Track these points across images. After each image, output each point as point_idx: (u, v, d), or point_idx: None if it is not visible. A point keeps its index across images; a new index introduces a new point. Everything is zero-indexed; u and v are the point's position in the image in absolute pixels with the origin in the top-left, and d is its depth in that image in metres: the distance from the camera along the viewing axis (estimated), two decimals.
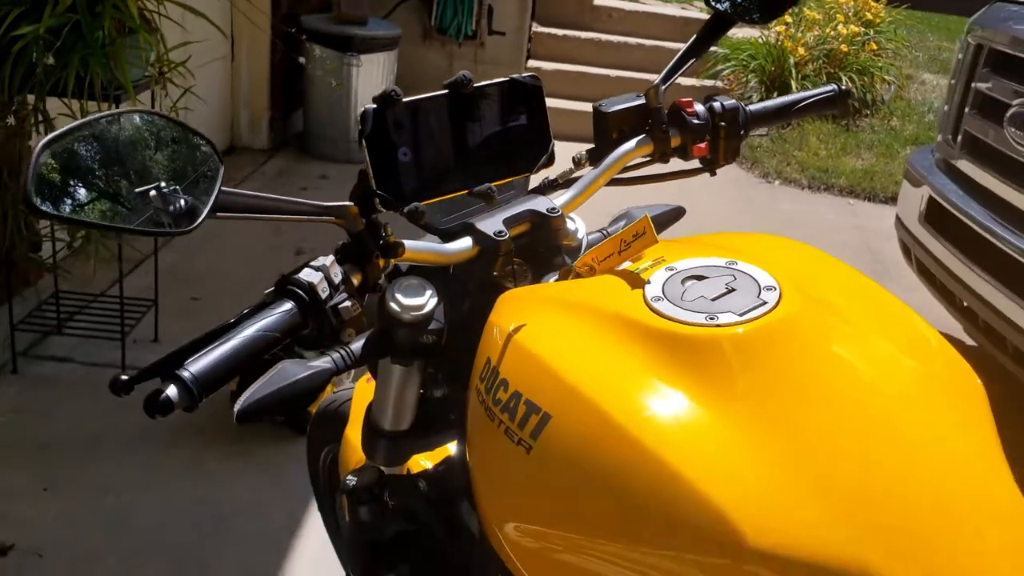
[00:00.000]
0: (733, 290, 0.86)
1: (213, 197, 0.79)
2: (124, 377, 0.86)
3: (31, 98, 2.58)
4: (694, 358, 0.80)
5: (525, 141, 1.02)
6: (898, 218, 3.60)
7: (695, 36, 1.23)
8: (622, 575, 0.77)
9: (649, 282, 0.88)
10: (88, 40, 2.41)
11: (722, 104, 1.18)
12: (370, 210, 0.94)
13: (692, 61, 1.21)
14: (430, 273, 1.07)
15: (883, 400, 0.79)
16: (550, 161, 1.00)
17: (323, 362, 1.05)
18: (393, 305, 1.02)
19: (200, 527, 2.33)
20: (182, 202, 0.81)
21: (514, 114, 1.00)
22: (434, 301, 1.03)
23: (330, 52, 5.22)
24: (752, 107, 1.22)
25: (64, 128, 0.73)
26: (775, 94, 6.46)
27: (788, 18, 7.00)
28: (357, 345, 1.06)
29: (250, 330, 0.83)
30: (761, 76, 6.65)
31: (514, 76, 1.00)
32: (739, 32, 7.36)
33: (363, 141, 0.91)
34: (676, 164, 1.21)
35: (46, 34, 2.39)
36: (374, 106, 0.91)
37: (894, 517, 0.73)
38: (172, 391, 0.78)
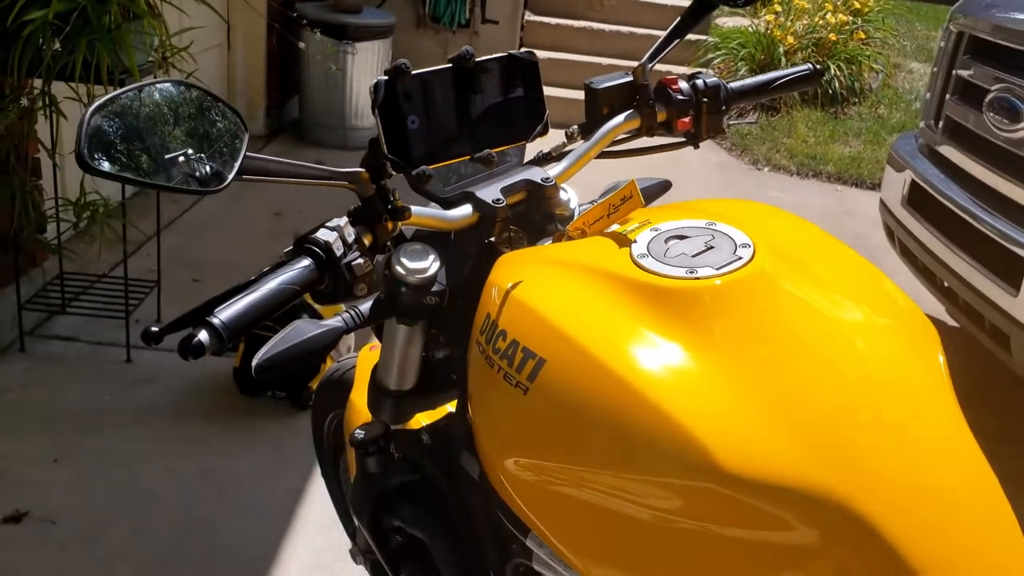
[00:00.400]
0: (712, 248, 0.94)
1: (239, 161, 0.88)
2: (154, 329, 0.94)
3: (38, 83, 2.64)
4: (675, 308, 0.88)
5: (522, 112, 1.11)
6: (882, 202, 3.70)
7: (679, 18, 1.31)
8: (611, 501, 0.86)
9: (635, 241, 0.97)
10: (95, 25, 2.48)
11: (704, 81, 1.26)
12: (380, 176, 1.02)
13: (677, 42, 1.29)
14: (433, 239, 1.15)
15: (846, 343, 0.88)
16: (545, 130, 1.09)
17: (334, 321, 1.13)
18: (399, 268, 1.10)
19: (205, 496, 2.41)
20: (207, 168, 0.88)
21: (512, 87, 1.09)
22: (437, 265, 1.12)
23: (326, 39, 5.28)
24: (733, 84, 1.31)
25: (110, 94, 0.81)
26: None
27: (777, 7, 7.09)
28: (365, 307, 1.15)
29: (272, 283, 0.92)
30: (751, 64, 6.74)
31: (511, 52, 1.08)
32: (729, 21, 7.45)
33: (376, 110, 0.99)
34: (662, 138, 1.29)
35: (54, 19, 2.45)
36: (386, 78, 0.99)
37: (854, 448, 0.81)
38: (204, 336, 0.86)
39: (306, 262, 0.95)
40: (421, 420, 1.44)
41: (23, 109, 2.64)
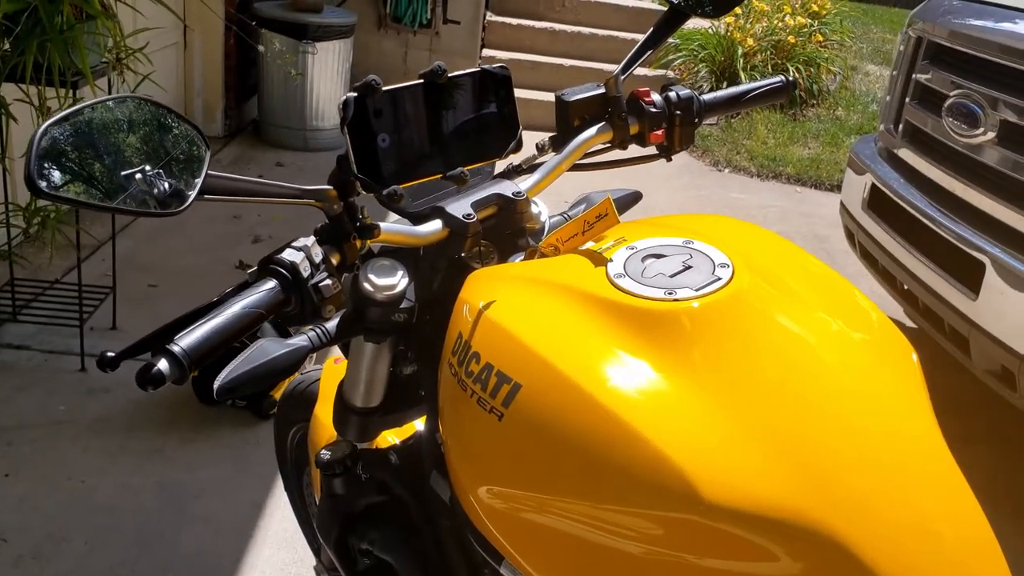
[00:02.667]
0: (690, 267, 0.92)
1: (201, 180, 0.84)
2: (110, 354, 0.90)
3: None
4: (654, 330, 0.86)
5: (495, 128, 1.08)
6: (842, 205, 3.73)
7: (651, 29, 1.29)
8: (590, 532, 0.83)
9: (611, 260, 0.95)
10: (46, 26, 2.41)
11: (678, 94, 1.25)
12: (348, 193, 0.99)
13: (649, 52, 1.27)
14: (401, 254, 1.12)
15: (826, 366, 0.87)
16: (518, 147, 1.07)
17: (300, 340, 1.10)
18: (366, 285, 1.07)
19: (164, 510, 2.36)
20: (166, 185, 0.85)
21: (485, 102, 1.06)
22: (405, 281, 1.09)
23: (285, 39, 5.21)
24: (705, 96, 1.29)
25: (62, 113, 0.76)
26: (724, 84, 6.59)
27: (738, 10, 7.12)
28: (332, 324, 1.11)
29: (236, 307, 0.88)
30: (711, 66, 6.77)
31: (485, 67, 1.05)
32: (690, 23, 7.46)
33: (344, 127, 0.96)
34: (634, 150, 1.28)
35: (3, 20, 2.38)
36: (355, 94, 0.96)
37: (835, 471, 0.80)
38: (163, 364, 0.83)
39: (271, 284, 0.91)
40: (389, 438, 1.41)
41: None
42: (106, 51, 2.71)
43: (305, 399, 1.70)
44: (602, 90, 1.24)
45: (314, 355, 1.81)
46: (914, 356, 0.94)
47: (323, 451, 1.25)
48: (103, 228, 3.28)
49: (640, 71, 6.28)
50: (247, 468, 2.53)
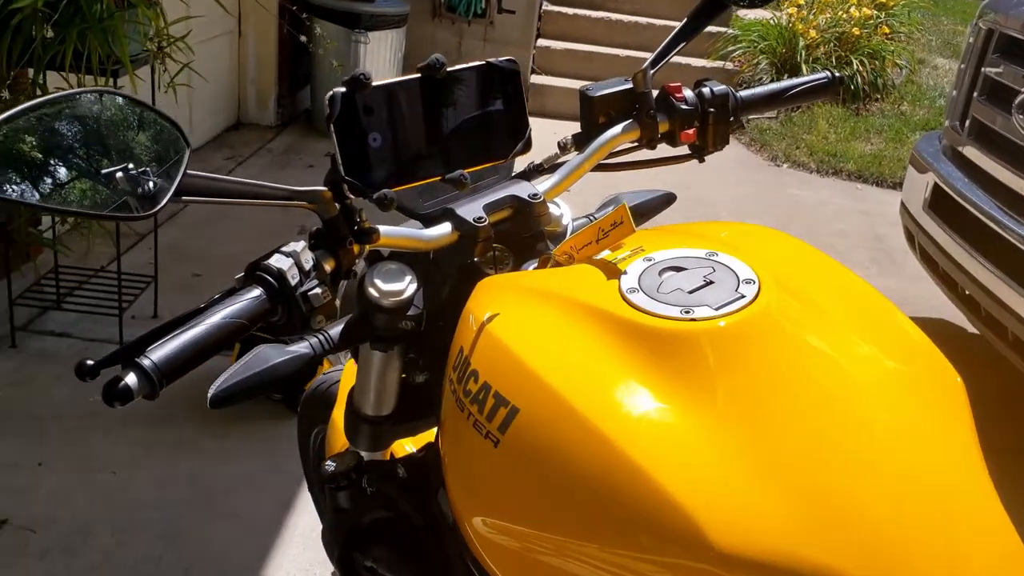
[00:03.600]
0: (711, 282, 0.84)
1: (177, 180, 0.78)
2: (89, 362, 0.85)
3: (31, 72, 2.56)
4: (667, 353, 0.78)
5: (501, 127, 1.00)
6: (903, 204, 3.57)
7: (685, 19, 1.20)
8: (588, 573, 0.76)
9: (625, 273, 0.87)
10: (86, 14, 2.39)
11: (712, 89, 1.16)
12: (344, 195, 0.92)
13: (682, 45, 1.18)
14: (411, 258, 1.05)
15: (860, 400, 0.78)
16: (526, 148, 0.99)
17: (301, 347, 1.04)
18: (372, 290, 1.01)
19: (193, 504, 2.33)
20: (151, 184, 0.79)
21: (490, 99, 0.98)
22: (413, 287, 1.02)
23: (337, 29, 5.18)
24: (743, 93, 1.20)
25: (18, 108, 0.71)
26: (785, 76, 6.40)
27: (800, 0, 6.93)
28: (336, 330, 1.05)
29: (216, 317, 0.82)
30: (771, 58, 6.59)
31: (490, 60, 0.97)
32: (750, 13, 7.29)
33: (331, 126, 0.89)
34: (664, 150, 1.19)
35: (44, 7, 2.37)
36: (342, 90, 0.89)
37: (866, 520, 0.71)
38: (132, 379, 0.77)
39: (256, 292, 0.85)
40: (403, 446, 1.35)
41: (8, 102, 2.55)
42: (147, 39, 2.69)
43: (326, 400, 1.66)
44: (629, 85, 1.15)
45: (346, 352, 1.75)
46: (960, 386, 0.85)
47: (328, 462, 1.19)
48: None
49: (697, 62, 6.11)
50: (278, 463, 2.49)
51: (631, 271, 0.87)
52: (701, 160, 1.18)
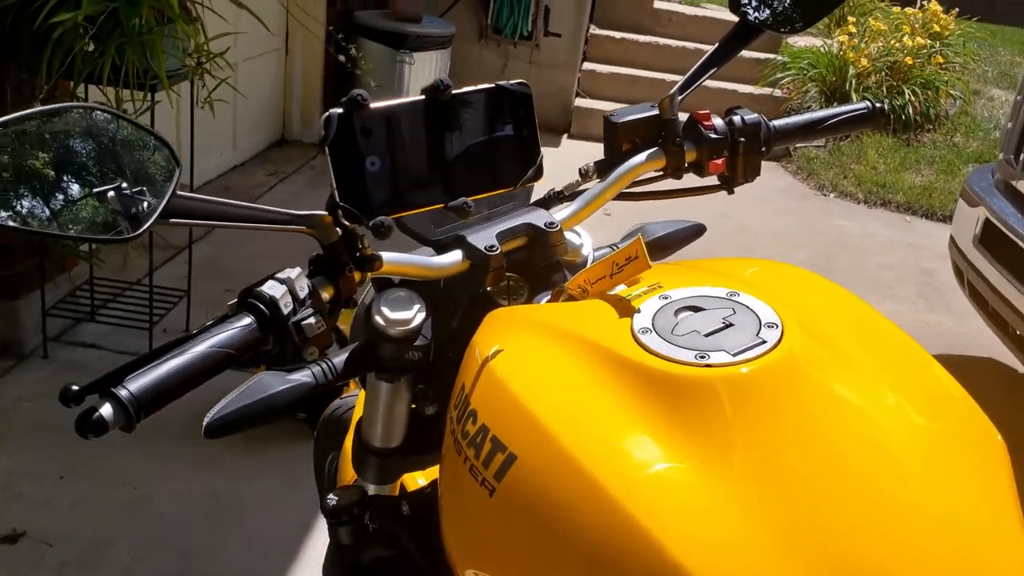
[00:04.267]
0: (730, 325, 0.78)
1: (164, 201, 0.74)
2: (74, 387, 0.81)
3: (71, 84, 2.58)
4: (680, 401, 0.72)
5: (511, 153, 0.95)
6: (952, 239, 3.46)
7: (717, 45, 1.15)
8: None
9: (639, 311, 0.81)
10: (125, 28, 2.40)
11: (742, 118, 1.10)
12: (346, 219, 0.88)
13: (713, 71, 1.13)
14: (421, 286, 1.01)
15: (890, 460, 0.71)
16: (537, 175, 0.93)
17: (303, 375, 1.00)
18: (378, 318, 0.97)
19: (212, 523, 2.31)
20: (139, 205, 0.75)
21: (499, 123, 0.93)
22: (422, 316, 0.98)
23: (382, 49, 5.20)
24: (776, 122, 1.14)
25: None
26: (834, 105, 6.28)
27: (852, 28, 6.82)
28: (341, 358, 1.01)
29: (201, 346, 0.78)
30: (821, 86, 6.49)
31: (500, 83, 0.92)
32: (800, 40, 7.19)
33: (325, 148, 0.84)
34: (691, 180, 1.14)
35: (84, 21, 2.38)
36: (339, 110, 0.84)
37: None
38: (107, 410, 0.73)
39: (247, 320, 0.81)
40: (415, 479, 1.30)
41: None
42: (186, 55, 2.69)
43: (341, 425, 1.61)
44: (656, 111, 1.10)
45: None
46: (1001, 445, 0.77)
47: (330, 496, 1.14)
48: (180, 234, 3.29)
49: (744, 89, 6.02)
50: (297, 484, 2.45)
51: (645, 309, 0.81)
52: (730, 192, 1.13)
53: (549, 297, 1.00)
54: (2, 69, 2.60)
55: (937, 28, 6.96)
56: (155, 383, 0.75)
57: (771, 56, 6.81)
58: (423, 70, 5.35)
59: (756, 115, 1.10)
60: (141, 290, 3.16)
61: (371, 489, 1.18)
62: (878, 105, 1.17)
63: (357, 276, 0.90)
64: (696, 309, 0.81)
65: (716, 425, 0.71)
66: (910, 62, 6.49)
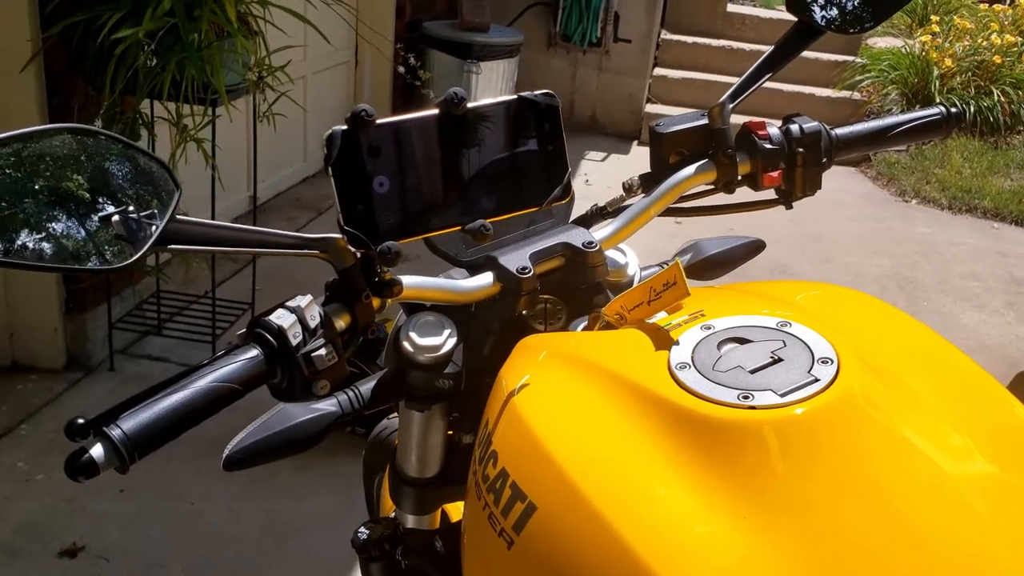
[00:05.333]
0: (780, 360, 0.70)
1: (162, 226, 0.69)
2: (80, 421, 0.77)
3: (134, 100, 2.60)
4: (720, 448, 0.64)
5: (536, 170, 0.88)
6: None
7: (772, 48, 1.06)
8: None
9: (678, 343, 0.73)
10: (184, 43, 2.41)
11: (801, 127, 1.01)
12: (351, 240, 0.82)
13: (768, 76, 1.04)
14: (453, 309, 0.95)
15: (961, 518, 0.62)
16: (564, 193, 0.86)
17: (327, 404, 0.95)
18: (407, 344, 0.91)
19: (265, 541, 2.28)
20: (118, 235, 0.70)
21: (522, 138, 0.85)
22: (452, 341, 0.91)
23: (450, 59, 5.19)
24: (839, 131, 1.04)
25: None
26: (916, 108, 6.04)
27: (935, 27, 6.56)
28: (369, 386, 0.96)
29: (203, 380, 0.73)
30: (903, 88, 6.25)
31: (523, 94, 0.85)
32: (880, 41, 6.95)
33: (328, 168, 0.78)
34: (744, 194, 1.05)
35: (145, 37, 2.39)
36: (343, 127, 0.78)
37: None
38: (98, 451, 0.69)
39: (252, 353, 0.76)
40: (458, 508, 1.24)
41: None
42: (248, 69, 2.69)
43: (387, 447, 1.57)
44: (705, 120, 1.02)
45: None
46: None
47: (360, 530, 1.09)
48: None
49: (822, 92, 5.81)
50: (354, 502, 2.41)
51: (684, 342, 0.73)
52: (788, 207, 1.03)
53: (586, 323, 0.93)
54: (70, 85, 2.64)
55: None
56: (151, 422, 0.70)
57: (849, 58, 6.60)
58: (491, 80, 5.32)
59: (816, 123, 1.01)
60: (206, 303, 3.18)
61: (409, 520, 1.12)
62: (953, 110, 1.06)
63: (376, 303, 0.84)
64: (742, 341, 0.73)
65: (761, 476, 0.62)
66: (999, 61, 6.21)
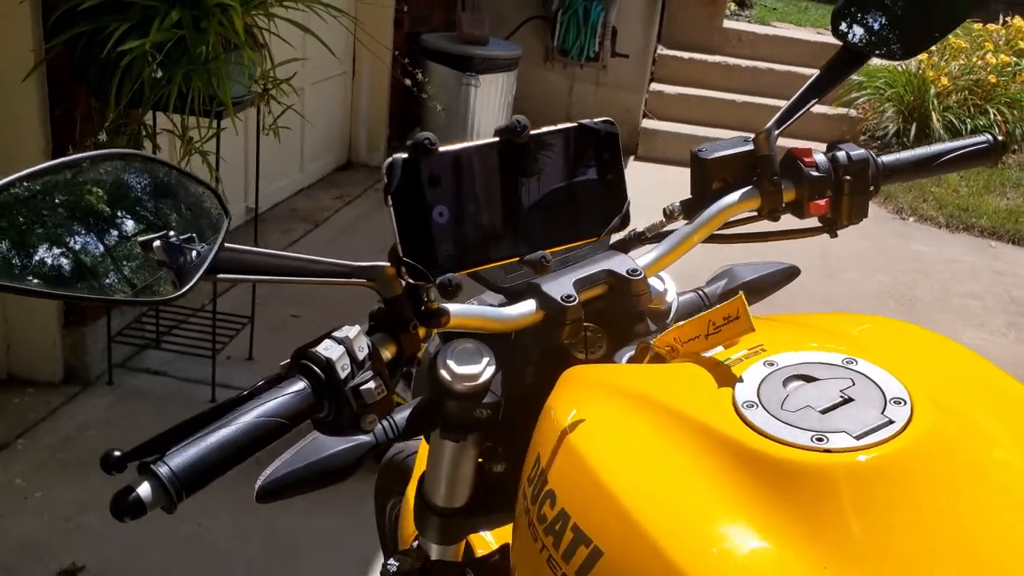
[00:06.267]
0: (850, 399, 0.68)
1: (212, 255, 0.66)
2: (116, 453, 0.74)
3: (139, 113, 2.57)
4: (795, 492, 0.62)
5: (594, 199, 0.85)
6: None
7: (818, 73, 1.04)
8: None
9: (741, 380, 0.71)
10: (192, 55, 2.38)
11: (848, 154, 0.99)
12: (410, 272, 0.80)
13: (813, 102, 1.02)
14: (490, 336, 0.92)
15: None
16: (623, 224, 0.83)
17: (362, 434, 0.92)
18: (444, 372, 0.88)
19: (271, 560, 2.25)
20: (194, 254, 0.68)
21: (581, 167, 0.83)
22: (491, 370, 0.89)
23: (449, 72, 5.17)
24: (885, 158, 1.03)
25: (21, 173, 0.60)
26: (913, 126, 6.07)
27: (932, 47, 6.60)
28: (403, 415, 0.93)
29: (250, 415, 0.70)
30: (899, 106, 6.27)
31: (583, 121, 0.82)
32: (876, 59, 6.98)
33: (388, 197, 0.75)
34: (787, 221, 1.03)
35: (151, 49, 2.37)
36: (403, 156, 0.76)
37: None
38: (145, 490, 0.66)
39: (299, 386, 0.73)
40: (483, 538, 1.21)
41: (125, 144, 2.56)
42: (253, 81, 2.67)
43: (403, 470, 1.54)
44: (749, 146, 1.00)
45: None
46: None
47: (390, 562, 1.06)
48: None
49: (819, 109, 5.78)
50: (363, 520, 2.37)
51: (748, 378, 0.71)
52: (833, 235, 1.02)
53: (632, 354, 0.90)
54: (73, 96, 2.61)
55: (1022, 45, 6.69)
56: (198, 459, 0.68)
57: None
58: (489, 93, 5.31)
59: (863, 151, 0.99)
60: (205, 316, 3.14)
61: (433, 551, 1.10)
62: (1000, 138, 1.05)
63: (422, 332, 0.82)
64: (808, 379, 0.71)
65: (840, 523, 0.60)
66: (994, 80, 6.25)
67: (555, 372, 0.89)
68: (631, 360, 0.89)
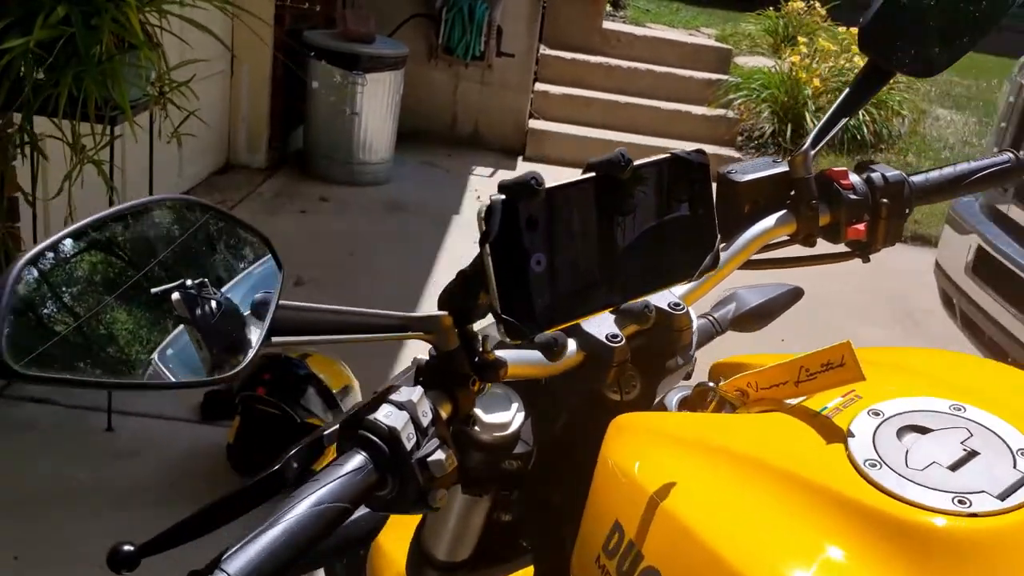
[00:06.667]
0: (975, 453, 0.63)
1: (269, 317, 0.55)
2: (127, 547, 0.62)
3: (17, 117, 2.33)
4: (939, 561, 0.57)
5: (685, 236, 0.77)
6: (938, 266, 3.40)
7: (848, 91, 1.00)
8: None
9: (851, 434, 0.65)
10: (83, 56, 2.17)
11: (883, 175, 0.95)
12: (466, 320, 0.70)
13: (844, 121, 0.98)
14: (516, 382, 0.83)
15: None
16: (714, 263, 0.76)
17: None
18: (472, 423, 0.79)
19: None
20: (213, 304, 0.57)
21: (675, 202, 0.75)
22: (521, 416, 0.80)
23: (335, 70, 5.00)
24: (916, 179, 1.00)
25: (51, 239, 0.47)
26: (788, 126, 6.27)
27: (803, 48, 6.84)
28: None
29: (305, 505, 0.59)
30: (774, 107, 6.46)
31: (675, 152, 0.74)
32: (751, 60, 7.19)
33: (486, 246, 0.64)
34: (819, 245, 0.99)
35: (37, 48, 2.14)
36: (502, 197, 0.65)
37: None
38: None
39: (358, 461, 0.63)
40: None
41: None
42: (149, 84, 2.47)
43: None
44: (784, 168, 0.94)
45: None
46: None
47: None
48: None
49: (697, 110, 5.87)
50: None
51: (858, 431, 0.65)
52: (866, 260, 0.98)
53: (683, 395, 0.83)
54: None
55: None
56: (261, 560, 0.57)
57: (723, 77, 6.78)
58: (376, 92, 5.16)
59: (898, 172, 0.96)
60: None
61: None
62: (1021, 155, 1.04)
63: (477, 386, 0.72)
64: (922, 430, 0.65)
65: None
66: None
67: (588, 415, 0.81)
68: (686, 405, 0.82)
